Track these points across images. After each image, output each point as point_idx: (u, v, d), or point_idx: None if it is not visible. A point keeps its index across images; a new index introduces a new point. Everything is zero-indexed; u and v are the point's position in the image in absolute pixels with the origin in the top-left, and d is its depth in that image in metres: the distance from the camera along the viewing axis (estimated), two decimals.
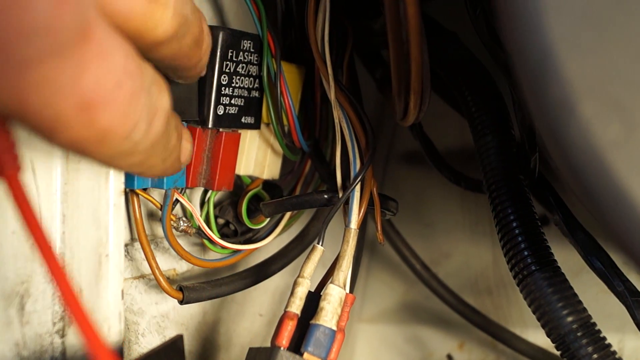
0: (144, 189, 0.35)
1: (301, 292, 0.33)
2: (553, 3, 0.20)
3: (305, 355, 0.31)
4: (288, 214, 0.42)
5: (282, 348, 0.32)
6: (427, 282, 0.49)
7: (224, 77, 0.36)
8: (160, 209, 0.36)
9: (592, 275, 0.38)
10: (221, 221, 0.42)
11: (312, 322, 0.32)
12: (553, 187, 0.40)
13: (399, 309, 0.53)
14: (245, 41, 0.37)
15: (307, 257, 0.34)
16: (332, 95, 0.37)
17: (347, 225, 0.34)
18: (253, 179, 0.42)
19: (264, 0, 0.38)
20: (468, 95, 0.40)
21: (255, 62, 0.38)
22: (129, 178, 0.35)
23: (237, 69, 0.37)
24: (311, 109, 0.42)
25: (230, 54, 0.36)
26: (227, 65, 0.37)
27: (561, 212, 0.40)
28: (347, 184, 0.36)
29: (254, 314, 0.49)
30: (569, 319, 0.34)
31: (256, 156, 0.41)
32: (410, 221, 0.51)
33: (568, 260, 0.39)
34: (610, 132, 0.19)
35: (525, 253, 0.35)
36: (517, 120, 0.40)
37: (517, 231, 0.36)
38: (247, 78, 0.38)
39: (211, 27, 0.37)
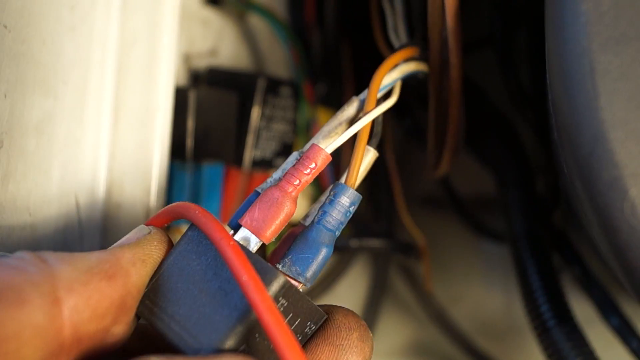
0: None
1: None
2: (608, 88, 0.21)
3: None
4: None
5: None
6: (439, 323, 0.50)
7: (263, 121, 0.37)
8: None
9: (603, 328, 0.39)
10: None
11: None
12: (572, 242, 0.41)
13: (408, 348, 0.53)
14: (284, 87, 0.38)
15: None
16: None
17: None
18: None
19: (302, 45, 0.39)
20: (494, 150, 0.41)
21: (292, 108, 0.39)
22: None
23: (275, 114, 0.38)
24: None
25: (269, 99, 0.38)
26: (265, 110, 0.38)
27: (579, 268, 0.41)
28: None
29: None
30: None
31: None
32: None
33: (580, 309, 0.39)
34: None
35: (545, 308, 0.36)
36: (542, 175, 0.41)
37: (537, 285, 0.37)
38: (283, 122, 0.39)
39: (251, 75, 0.38)
